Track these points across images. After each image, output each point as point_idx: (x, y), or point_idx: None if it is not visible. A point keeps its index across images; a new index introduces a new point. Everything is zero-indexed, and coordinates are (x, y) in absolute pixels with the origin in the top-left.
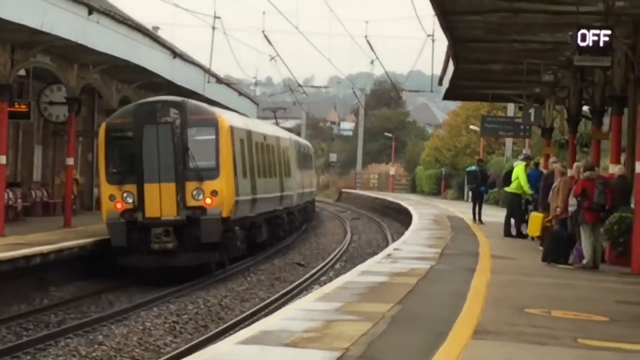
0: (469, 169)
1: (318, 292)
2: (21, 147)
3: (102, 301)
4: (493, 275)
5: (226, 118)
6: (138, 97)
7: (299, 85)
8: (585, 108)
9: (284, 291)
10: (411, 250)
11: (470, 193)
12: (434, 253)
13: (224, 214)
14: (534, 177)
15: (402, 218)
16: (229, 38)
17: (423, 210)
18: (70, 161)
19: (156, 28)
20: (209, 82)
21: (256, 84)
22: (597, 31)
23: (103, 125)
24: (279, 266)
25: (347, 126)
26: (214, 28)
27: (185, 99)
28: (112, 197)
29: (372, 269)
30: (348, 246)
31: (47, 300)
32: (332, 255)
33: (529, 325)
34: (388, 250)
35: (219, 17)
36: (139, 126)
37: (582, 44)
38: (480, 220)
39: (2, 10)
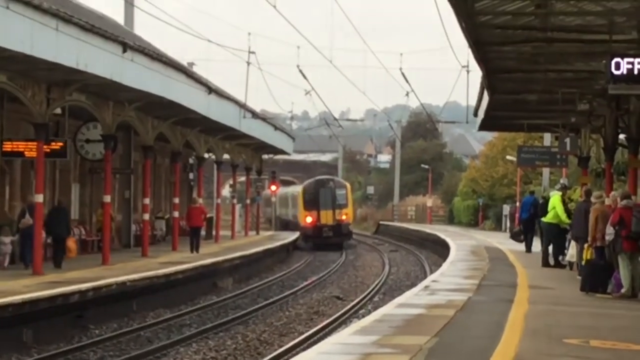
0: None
1: (355, 325)
2: (58, 185)
3: (141, 338)
4: (531, 306)
5: (347, 183)
6: (174, 133)
7: (335, 118)
8: (621, 136)
9: (322, 325)
10: (449, 281)
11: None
12: (471, 284)
13: (350, 222)
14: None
15: (440, 250)
16: (264, 73)
17: (461, 242)
18: (107, 199)
19: (191, 64)
20: (244, 117)
21: (292, 118)
22: (631, 59)
23: (301, 188)
24: (317, 299)
25: (383, 159)
26: (248, 63)
27: (335, 177)
28: (306, 216)
29: (410, 301)
30: (386, 278)
31: (85, 338)
32: (370, 288)
33: (567, 355)
34: (426, 282)
35: (253, 52)
36: (316, 188)
37: (616, 73)
38: None
39: (37, 50)
